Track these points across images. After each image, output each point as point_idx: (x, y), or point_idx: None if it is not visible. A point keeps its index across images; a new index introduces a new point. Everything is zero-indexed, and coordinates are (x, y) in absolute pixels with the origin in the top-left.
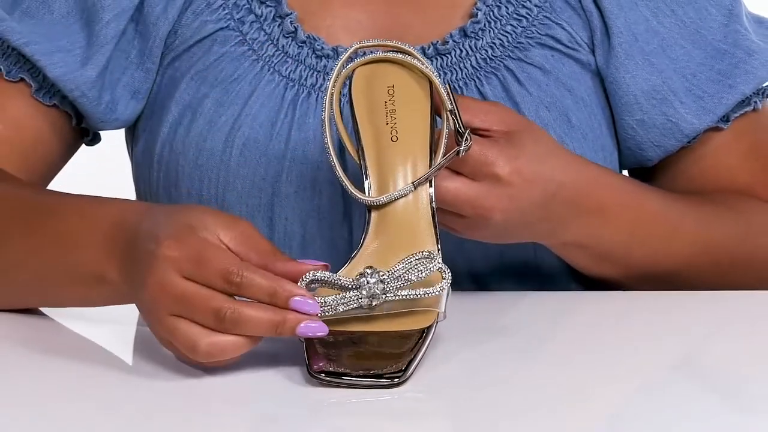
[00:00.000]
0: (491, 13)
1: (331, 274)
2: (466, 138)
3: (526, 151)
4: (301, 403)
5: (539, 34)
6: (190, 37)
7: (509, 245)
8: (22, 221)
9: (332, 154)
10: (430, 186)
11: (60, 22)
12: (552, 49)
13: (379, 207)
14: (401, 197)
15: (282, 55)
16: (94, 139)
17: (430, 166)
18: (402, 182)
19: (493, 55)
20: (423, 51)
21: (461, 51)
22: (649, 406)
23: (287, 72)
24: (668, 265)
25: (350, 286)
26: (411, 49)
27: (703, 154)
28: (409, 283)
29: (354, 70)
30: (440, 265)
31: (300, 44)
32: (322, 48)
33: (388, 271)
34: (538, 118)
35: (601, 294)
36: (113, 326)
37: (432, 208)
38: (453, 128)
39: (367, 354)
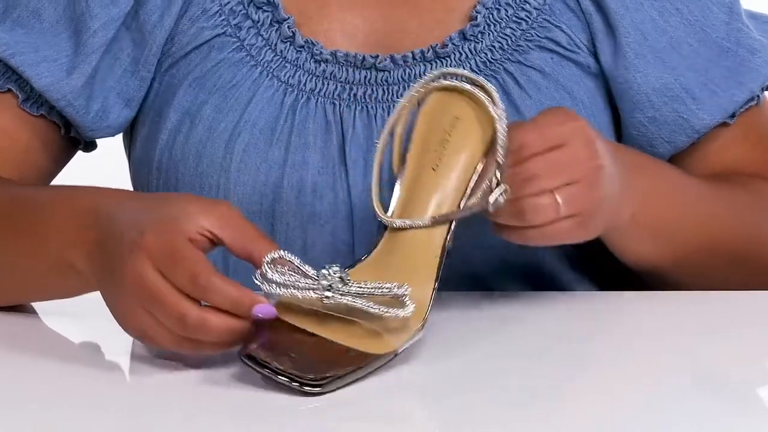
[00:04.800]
0: (491, 16)
1: (295, 258)
2: (501, 193)
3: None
4: (293, 405)
5: (538, 36)
6: (187, 43)
7: (511, 247)
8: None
9: (378, 159)
10: (446, 240)
11: (49, 31)
12: (551, 52)
13: (394, 229)
14: (417, 227)
15: (280, 60)
16: (89, 146)
17: (458, 207)
18: (424, 211)
19: (492, 58)
20: (422, 54)
21: (461, 54)
22: (650, 406)
23: (286, 77)
24: (707, 243)
25: (310, 275)
26: (492, 90)
27: (711, 150)
28: (369, 295)
29: (431, 92)
30: (405, 293)
31: (298, 49)
32: (321, 52)
33: (363, 284)
34: None
35: (603, 294)
36: (109, 324)
37: (445, 246)
38: (494, 180)
39: (303, 355)
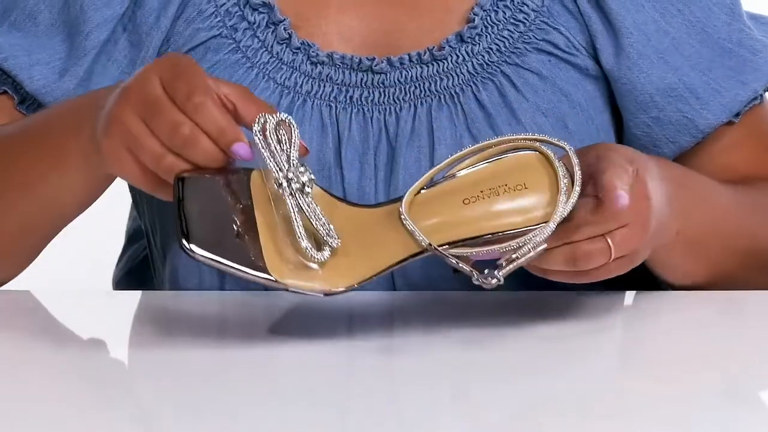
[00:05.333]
0: (488, 18)
1: (296, 142)
2: (497, 279)
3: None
4: (299, 407)
5: (536, 39)
6: (182, 45)
7: None
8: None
9: (447, 162)
10: (417, 255)
11: (44, 34)
12: (549, 54)
13: (399, 214)
14: (410, 231)
15: (276, 62)
16: None
17: (445, 247)
18: (426, 222)
19: (489, 61)
20: (419, 57)
21: (457, 56)
22: (650, 405)
23: (282, 79)
24: (738, 249)
25: (292, 161)
26: (576, 188)
27: (716, 150)
28: (308, 215)
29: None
30: (333, 244)
31: (294, 51)
32: (317, 55)
33: (314, 206)
34: (534, 123)
35: (603, 294)
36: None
37: (405, 260)
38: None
39: (221, 215)
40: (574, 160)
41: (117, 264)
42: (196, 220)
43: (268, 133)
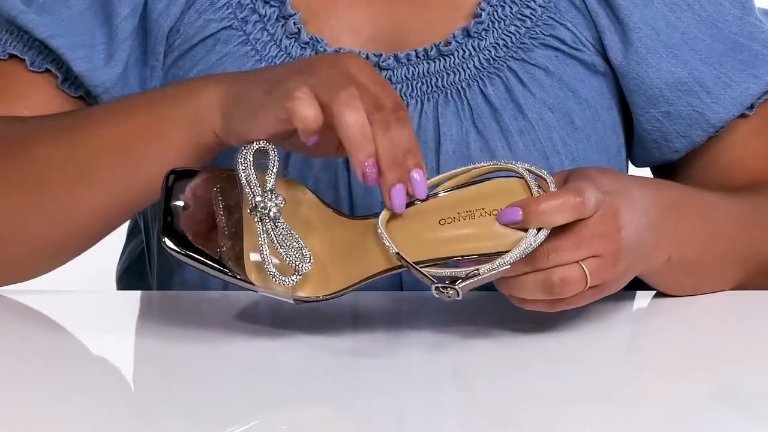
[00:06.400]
0: (495, 13)
1: (276, 161)
2: (453, 293)
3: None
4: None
5: (543, 34)
6: (193, 35)
7: None
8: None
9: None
10: (392, 270)
11: (78, 18)
12: (556, 50)
13: (375, 225)
14: (382, 238)
15: (285, 56)
16: None
17: (409, 263)
18: (401, 238)
19: (496, 56)
20: (425, 53)
21: (464, 51)
22: (650, 405)
23: None
24: (740, 261)
25: (268, 186)
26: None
27: (731, 144)
28: (279, 241)
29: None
30: (300, 271)
31: (303, 45)
32: (325, 50)
33: (283, 225)
34: (541, 119)
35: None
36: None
37: (380, 273)
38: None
39: (198, 221)
40: (553, 185)
41: (119, 259)
42: (180, 216)
43: (248, 155)
